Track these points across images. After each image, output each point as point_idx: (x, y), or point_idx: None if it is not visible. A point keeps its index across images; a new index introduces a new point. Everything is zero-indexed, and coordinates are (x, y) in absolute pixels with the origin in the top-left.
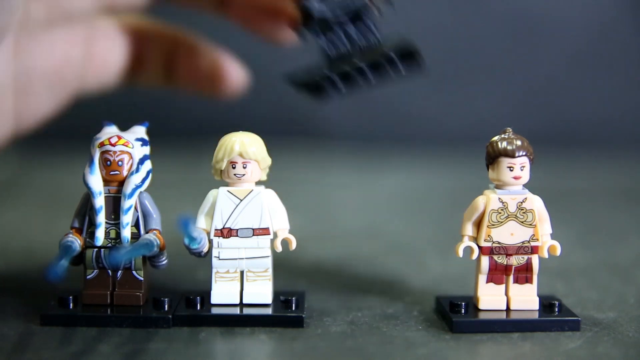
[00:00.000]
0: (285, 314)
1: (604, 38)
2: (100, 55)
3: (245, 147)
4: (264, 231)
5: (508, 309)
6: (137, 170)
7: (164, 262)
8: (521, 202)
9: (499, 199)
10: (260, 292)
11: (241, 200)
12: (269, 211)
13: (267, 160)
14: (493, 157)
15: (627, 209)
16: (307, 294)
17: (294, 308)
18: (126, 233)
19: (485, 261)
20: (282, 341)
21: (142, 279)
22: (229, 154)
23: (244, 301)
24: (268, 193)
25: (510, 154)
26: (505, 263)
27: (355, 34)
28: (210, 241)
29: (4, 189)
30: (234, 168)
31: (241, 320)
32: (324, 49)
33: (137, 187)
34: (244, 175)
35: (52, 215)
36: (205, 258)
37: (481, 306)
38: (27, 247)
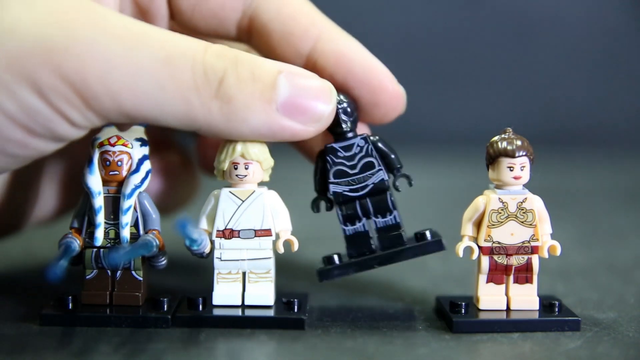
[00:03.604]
0: (286, 316)
1: (605, 39)
2: None
3: (247, 148)
4: (266, 232)
5: (508, 309)
6: (137, 170)
7: (163, 262)
8: (521, 202)
9: (499, 199)
10: (262, 293)
11: (243, 201)
12: (271, 212)
13: (270, 161)
14: (493, 157)
15: (627, 209)
16: (308, 294)
17: (295, 310)
18: (125, 233)
19: (485, 261)
20: (283, 341)
21: (141, 279)
22: (231, 155)
23: (246, 302)
24: (270, 194)
25: (510, 154)
26: (505, 263)
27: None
28: (212, 242)
29: None
30: (236, 169)
31: (242, 322)
32: (343, 229)
33: (137, 187)
34: (245, 176)
35: None
36: (206, 259)
37: (481, 306)
38: (27, 247)
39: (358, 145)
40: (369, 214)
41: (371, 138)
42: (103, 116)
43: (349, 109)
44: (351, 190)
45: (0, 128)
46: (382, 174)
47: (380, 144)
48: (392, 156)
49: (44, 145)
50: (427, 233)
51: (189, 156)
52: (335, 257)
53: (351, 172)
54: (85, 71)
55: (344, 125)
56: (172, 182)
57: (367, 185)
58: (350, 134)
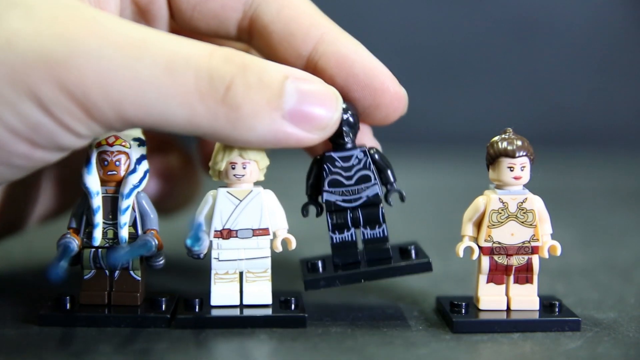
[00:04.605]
0: (288, 314)
1: (605, 39)
2: None
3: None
4: (264, 231)
5: (508, 309)
6: (135, 170)
7: (161, 262)
8: (521, 202)
9: (500, 199)
10: (261, 292)
11: (241, 201)
12: (268, 211)
13: (266, 161)
14: (493, 157)
15: (627, 209)
16: (308, 294)
17: (293, 308)
18: (124, 233)
19: (485, 261)
20: (283, 341)
21: (139, 278)
22: (228, 155)
23: (244, 302)
24: (267, 193)
25: (511, 154)
26: (505, 263)
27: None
28: (209, 242)
29: None
30: (233, 169)
31: (245, 322)
32: (331, 237)
33: (135, 187)
34: (243, 175)
35: None
36: (202, 260)
37: (481, 306)
38: (27, 247)
39: (357, 157)
40: (359, 225)
41: (370, 151)
42: (106, 126)
43: (352, 120)
44: (344, 201)
45: (4, 142)
46: (377, 188)
47: (377, 158)
48: (388, 171)
49: (49, 155)
50: (412, 250)
51: (190, 156)
52: (319, 264)
53: (346, 182)
54: (86, 83)
55: (346, 138)
56: (173, 182)
57: (360, 197)
58: (349, 145)
